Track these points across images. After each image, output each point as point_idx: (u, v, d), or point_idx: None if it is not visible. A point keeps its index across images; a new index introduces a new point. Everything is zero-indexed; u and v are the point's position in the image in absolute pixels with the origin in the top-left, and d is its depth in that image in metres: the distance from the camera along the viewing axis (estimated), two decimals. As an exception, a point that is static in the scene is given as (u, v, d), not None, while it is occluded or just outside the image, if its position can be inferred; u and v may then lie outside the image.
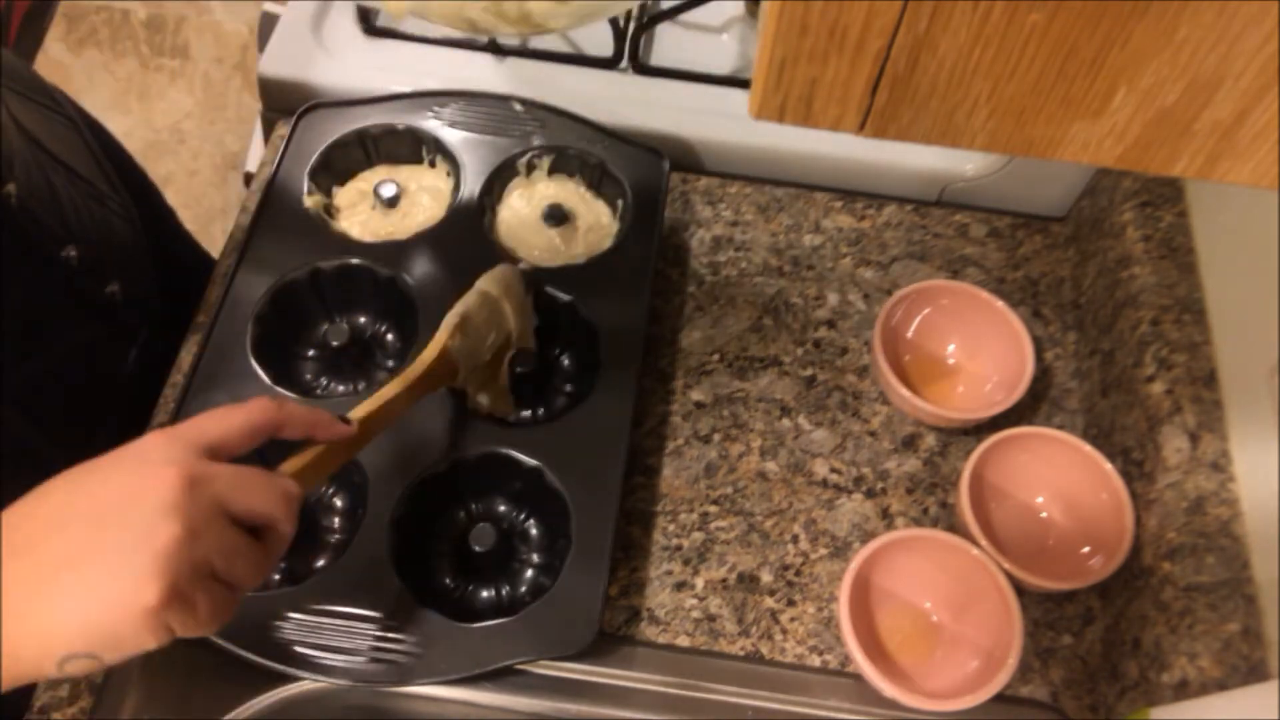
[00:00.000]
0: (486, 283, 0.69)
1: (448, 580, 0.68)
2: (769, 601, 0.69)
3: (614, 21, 0.86)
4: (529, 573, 0.69)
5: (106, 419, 0.73)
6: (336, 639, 0.61)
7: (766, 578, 0.70)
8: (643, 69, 0.88)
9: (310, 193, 0.78)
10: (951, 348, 0.79)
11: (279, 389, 0.69)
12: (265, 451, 0.53)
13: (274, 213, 0.77)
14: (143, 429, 0.73)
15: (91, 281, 0.70)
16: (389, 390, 0.59)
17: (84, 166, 0.75)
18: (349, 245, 0.76)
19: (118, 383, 0.74)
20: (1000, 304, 0.76)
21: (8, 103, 0.66)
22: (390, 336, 0.77)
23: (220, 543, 0.44)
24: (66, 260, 0.67)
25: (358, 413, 0.57)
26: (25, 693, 0.65)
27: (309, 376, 0.75)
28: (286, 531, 0.48)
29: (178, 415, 0.68)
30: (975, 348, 0.78)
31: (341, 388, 0.75)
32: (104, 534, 0.42)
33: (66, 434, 0.69)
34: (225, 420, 0.47)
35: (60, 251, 0.67)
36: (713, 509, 0.73)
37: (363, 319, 0.78)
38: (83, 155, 0.76)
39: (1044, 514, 0.72)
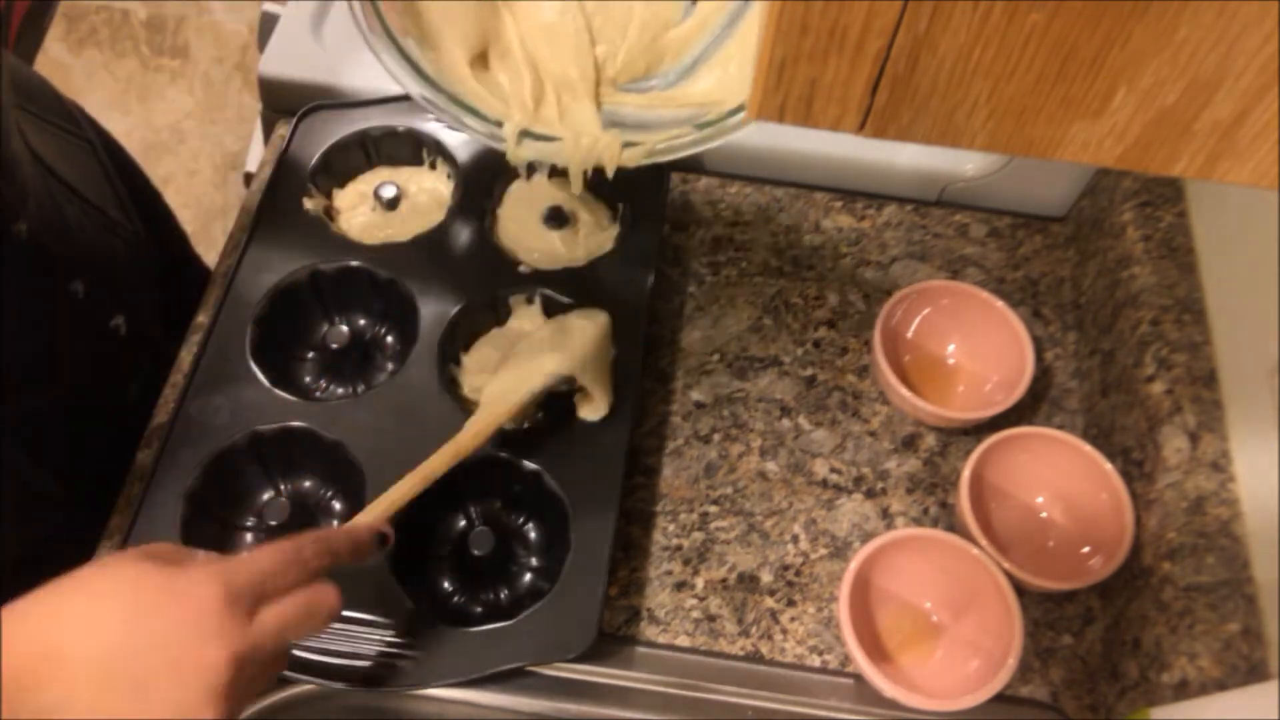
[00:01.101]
0: (570, 365, 0.65)
1: (447, 584, 0.68)
2: (769, 601, 0.69)
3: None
4: (528, 576, 0.69)
5: (106, 448, 0.73)
6: (335, 643, 0.61)
7: (766, 578, 0.70)
8: (642, 69, 0.88)
9: (310, 194, 0.78)
10: (951, 348, 0.79)
11: (278, 391, 0.69)
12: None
13: (274, 214, 0.77)
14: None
15: (98, 315, 0.70)
16: (434, 466, 0.61)
17: (97, 193, 0.74)
18: (349, 247, 0.76)
19: (119, 415, 0.74)
20: (1000, 304, 0.76)
21: (25, 130, 0.66)
22: (390, 339, 0.77)
23: (259, 680, 0.46)
24: (73, 294, 0.67)
25: (392, 504, 0.59)
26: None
27: (308, 378, 0.75)
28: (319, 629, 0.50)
29: (177, 416, 0.68)
30: (975, 348, 0.78)
31: (341, 390, 0.75)
32: (150, 705, 0.42)
33: (68, 466, 0.69)
34: (281, 571, 0.48)
35: (68, 285, 0.66)
36: (713, 509, 0.73)
37: (362, 321, 0.78)
38: (97, 180, 0.76)
39: (1044, 514, 0.72)
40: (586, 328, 0.68)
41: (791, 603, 0.70)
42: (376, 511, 0.58)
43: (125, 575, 0.44)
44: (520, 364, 0.66)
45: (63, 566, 0.45)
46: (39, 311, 0.64)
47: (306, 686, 0.64)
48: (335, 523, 0.70)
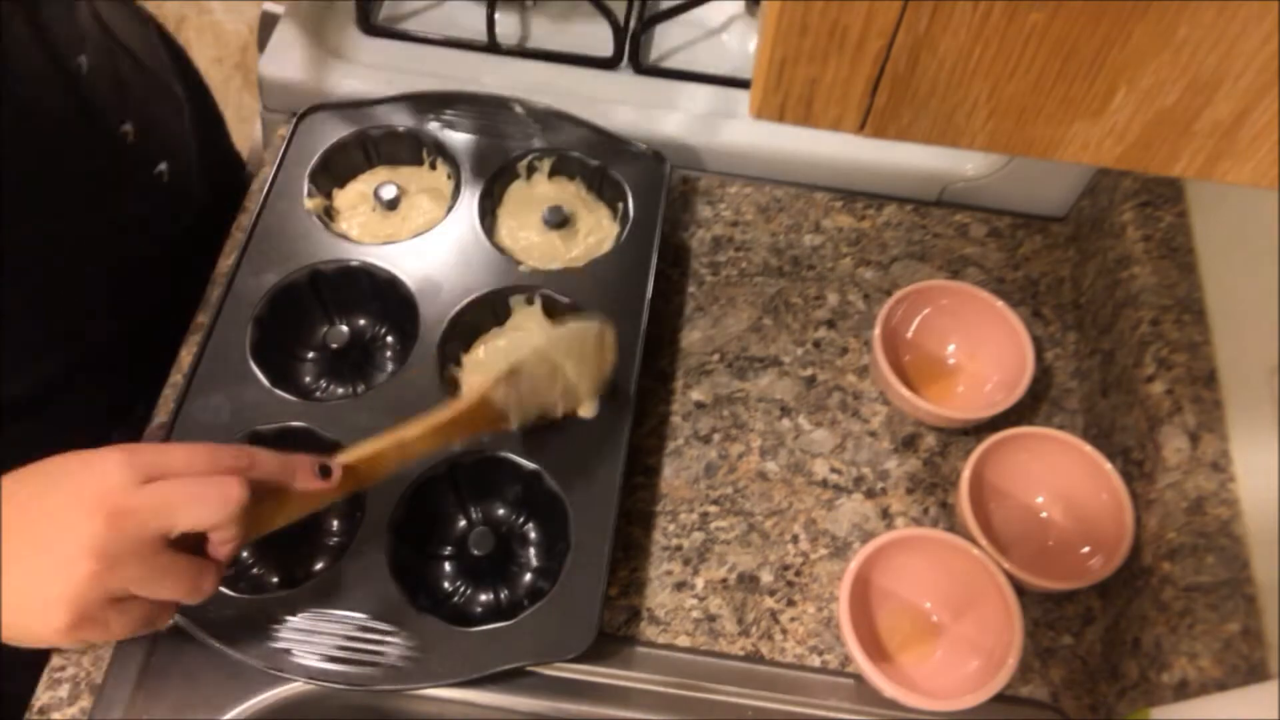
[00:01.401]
0: (553, 346, 0.64)
1: (446, 584, 0.68)
2: (769, 601, 0.69)
3: (614, 21, 0.86)
4: (528, 576, 0.69)
5: (146, 302, 0.76)
6: (335, 643, 0.61)
7: (766, 578, 0.70)
8: (643, 69, 0.88)
9: (310, 194, 0.78)
10: (951, 348, 0.79)
11: (278, 391, 0.69)
12: None
13: (274, 214, 0.77)
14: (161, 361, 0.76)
15: (143, 159, 0.73)
16: (407, 432, 0.57)
17: (150, 59, 0.78)
18: (349, 247, 0.76)
19: (161, 263, 0.77)
20: (1000, 304, 0.76)
21: None
22: (390, 339, 0.77)
23: (140, 570, 0.45)
24: (123, 135, 0.70)
25: (357, 452, 0.55)
26: (25, 693, 0.65)
27: (308, 378, 0.75)
28: (226, 540, 0.47)
29: (177, 415, 0.68)
30: (975, 348, 0.78)
31: (340, 390, 0.75)
32: (31, 557, 0.44)
33: (113, 303, 0.73)
34: (189, 460, 0.47)
35: (119, 127, 0.70)
36: (713, 509, 0.73)
37: (362, 321, 0.78)
38: (152, 50, 0.80)
39: (1044, 514, 0.72)
40: (583, 324, 0.67)
41: (791, 603, 0.70)
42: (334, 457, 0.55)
43: (62, 454, 0.47)
44: (509, 346, 0.65)
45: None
46: (92, 145, 0.67)
47: (306, 686, 0.64)
48: (335, 523, 0.70)
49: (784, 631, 0.69)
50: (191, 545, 0.47)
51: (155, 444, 0.48)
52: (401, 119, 0.81)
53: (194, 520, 0.46)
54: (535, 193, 0.81)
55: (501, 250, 0.77)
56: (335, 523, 0.70)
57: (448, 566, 0.69)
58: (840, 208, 0.88)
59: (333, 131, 0.80)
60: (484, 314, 0.75)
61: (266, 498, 0.50)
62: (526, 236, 0.79)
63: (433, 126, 0.81)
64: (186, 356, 0.76)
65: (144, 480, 0.45)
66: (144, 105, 0.74)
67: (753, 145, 0.86)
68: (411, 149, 0.82)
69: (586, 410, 0.69)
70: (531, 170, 0.81)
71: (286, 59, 0.87)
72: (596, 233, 0.80)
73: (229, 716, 0.64)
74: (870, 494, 0.74)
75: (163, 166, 0.76)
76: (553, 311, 0.75)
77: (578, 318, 0.70)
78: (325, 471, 0.52)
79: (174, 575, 0.46)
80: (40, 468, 0.46)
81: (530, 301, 0.75)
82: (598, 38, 0.89)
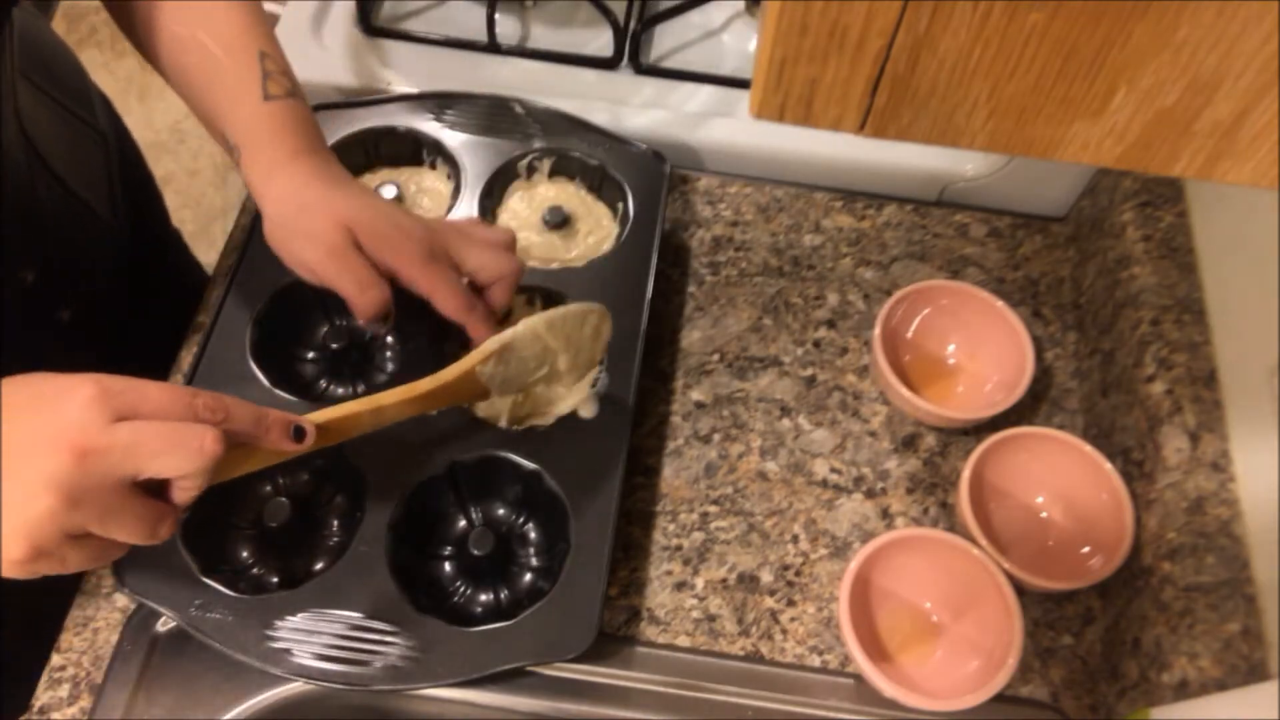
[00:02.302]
0: (546, 327, 0.63)
1: (446, 584, 0.68)
2: (769, 601, 0.69)
3: (614, 21, 0.86)
4: (528, 576, 0.69)
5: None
6: (335, 643, 0.61)
7: (766, 578, 0.70)
8: (643, 69, 0.88)
9: (310, 193, 0.78)
10: (951, 348, 0.79)
11: (278, 391, 0.69)
12: None
13: (274, 213, 0.77)
14: None
15: (41, 305, 0.69)
16: (385, 398, 0.57)
17: (88, 184, 0.74)
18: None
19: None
20: (1000, 304, 0.76)
21: (21, 100, 0.65)
22: (390, 338, 0.77)
23: (101, 510, 0.44)
24: (21, 281, 0.66)
25: (332, 413, 0.54)
26: (25, 692, 0.65)
27: (308, 379, 0.75)
28: (189, 488, 0.47)
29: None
30: (975, 348, 0.78)
31: (341, 390, 0.75)
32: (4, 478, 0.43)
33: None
34: (164, 403, 0.46)
35: (17, 272, 0.66)
36: (713, 509, 0.73)
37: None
38: (93, 172, 0.75)
39: (1044, 514, 0.72)
40: (582, 307, 0.66)
41: (791, 603, 0.70)
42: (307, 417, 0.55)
43: (36, 375, 0.45)
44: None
45: None
46: None
47: (306, 687, 0.64)
48: (335, 524, 0.70)
49: (784, 631, 0.69)
50: (153, 487, 0.46)
51: (130, 379, 0.46)
52: (401, 119, 0.81)
53: (165, 468, 0.45)
54: (535, 193, 0.81)
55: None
56: (335, 523, 0.70)
57: (448, 566, 0.69)
58: (840, 208, 0.88)
59: (333, 131, 0.80)
60: (484, 314, 0.75)
61: (235, 448, 0.49)
62: (526, 236, 0.79)
63: (433, 126, 0.81)
64: (186, 357, 0.76)
65: (116, 418, 0.44)
66: (57, 244, 0.69)
67: (753, 145, 0.86)
68: (411, 149, 0.82)
69: (586, 410, 0.69)
70: (531, 170, 0.81)
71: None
72: (596, 233, 0.80)
73: (229, 716, 0.64)
74: (870, 494, 0.74)
75: (64, 313, 0.71)
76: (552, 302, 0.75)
77: (578, 302, 0.70)
78: (299, 433, 0.52)
79: (133, 518, 0.45)
80: (9, 389, 0.45)
81: (530, 302, 0.75)
82: (598, 38, 0.89)
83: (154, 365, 0.76)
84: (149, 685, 0.64)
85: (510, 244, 0.67)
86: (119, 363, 0.74)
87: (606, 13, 0.85)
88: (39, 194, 0.67)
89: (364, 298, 0.62)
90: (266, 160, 0.63)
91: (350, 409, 0.55)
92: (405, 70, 0.87)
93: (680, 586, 0.70)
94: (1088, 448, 0.69)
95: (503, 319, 0.75)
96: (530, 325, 0.62)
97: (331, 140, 0.80)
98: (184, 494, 0.47)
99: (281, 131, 0.64)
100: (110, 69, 2.04)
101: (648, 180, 0.79)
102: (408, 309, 0.73)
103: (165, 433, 0.45)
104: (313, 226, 0.62)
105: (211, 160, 1.96)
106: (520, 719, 0.66)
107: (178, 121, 2.00)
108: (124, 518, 0.45)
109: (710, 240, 0.85)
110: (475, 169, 0.79)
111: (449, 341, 0.72)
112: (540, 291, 0.74)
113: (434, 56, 0.88)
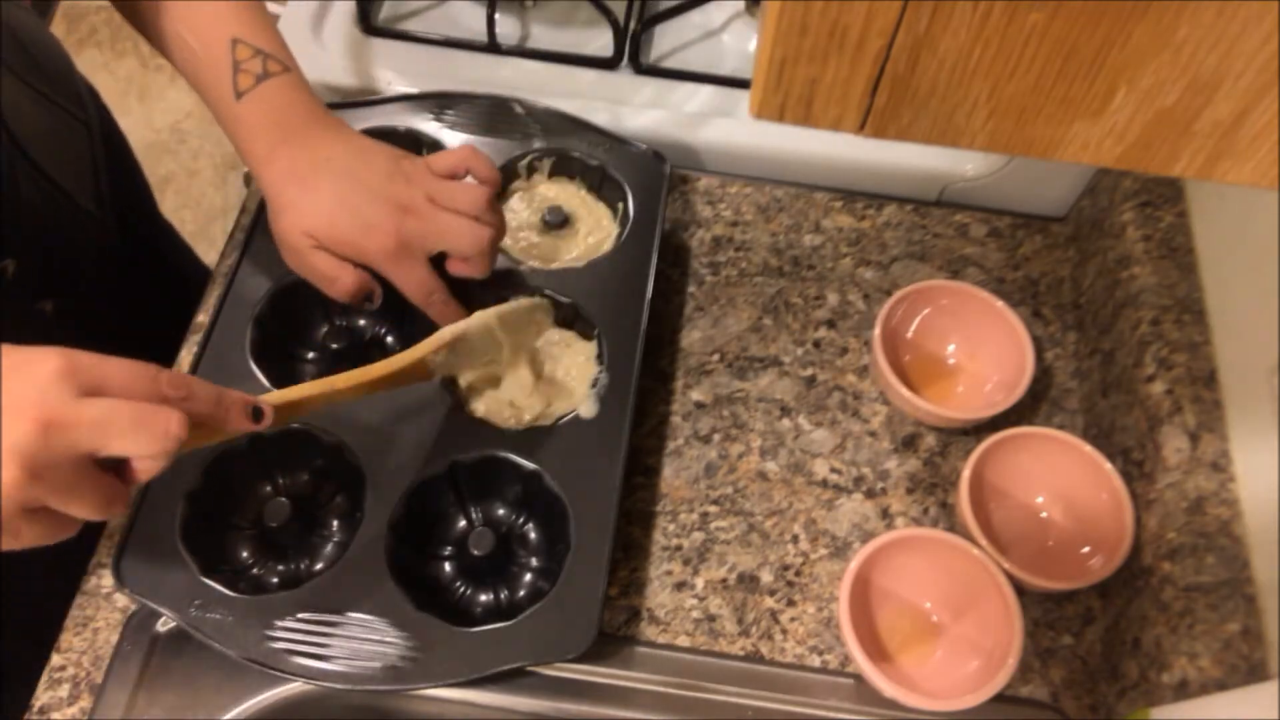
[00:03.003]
0: (498, 321, 0.67)
1: (446, 584, 0.68)
2: (769, 601, 0.69)
3: (614, 21, 0.86)
4: (528, 576, 0.69)
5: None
6: (335, 643, 0.61)
7: (766, 578, 0.70)
8: (643, 69, 0.88)
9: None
10: (951, 348, 0.79)
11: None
12: None
13: (274, 213, 0.77)
14: None
15: (23, 296, 0.69)
16: (338, 381, 0.59)
17: (71, 177, 0.73)
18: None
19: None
20: (1000, 304, 0.76)
21: (3, 90, 0.65)
22: (390, 339, 0.77)
23: (61, 484, 0.44)
24: (1, 271, 0.66)
25: (289, 394, 0.56)
26: (25, 692, 0.65)
27: (309, 379, 0.75)
28: (148, 468, 0.46)
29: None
30: (975, 348, 0.78)
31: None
32: None
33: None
34: (129, 380, 0.46)
35: None
36: (713, 509, 0.73)
37: (362, 321, 0.78)
38: (78, 165, 0.75)
39: (1044, 514, 0.72)
40: (527, 301, 0.72)
41: (791, 603, 0.70)
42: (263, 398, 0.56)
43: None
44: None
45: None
46: None
47: (306, 687, 0.64)
48: (335, 524, 0.70)
49: (784, 631, 0.69)
50: (109, 463, 0.46)
51: (96, 355, 0.46)
52: (401, 119, 0.81)
53: (129, 448, 0.45)
54: (535, 193, 0.81)
55: (501, 251, 0.77)
56: (335, 523, 0.70)
57: (448, 567, 0.69)
58: (840, 208, 0.88)
59: (333, 131, 0.80)
60: (484, 314, 0.75)
61: (194, 426, 0.49)
62: (526, 237, 0.79)
63: (433, 127, 0.81)
64: (186, 357, 0.76)
65: (82, 392, 0.44)
66: (37, 234, 0.69)
67: (753, 145, 0.86)
68: (411, 149, 0.81)
69: (586, 410, 0.69)
70: (532, 170, 0.81)
71: (286, 59, 0.87)
72: (596, 233, 0.80)
73: (229, 717, 0.64)
74: (870, 494, 0.74)
75: (47, 304, 0.71)
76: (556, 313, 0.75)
77: (518, 298, 0.72)
78: (257, 414, 0.52)
79: (92, 493, 0.45)
80: None
81: (530, 302, 0.75)
82: (598, 38, 0.89)
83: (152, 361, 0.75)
84: (149, 685, 0.64)
85: (485, 205, 0.67)
86: (114, 349, 0.74)
87: (606, 13, 0.85)
88: (19, 183, 0.67)
89: (333, 290, 0.66)
90: (250, 162, 0.66)
91: (306, 390, 0.57)
92: (405, 70, 0.87)
93: (680, 586, 0.70)
94: (1088, 448, 0.69)
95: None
96: (483, 318, 0.66)
97: (331, 140, 0.80)
98: (142, 473, 0.47)
99: (256, 131, 0.65)
100: (110, 69, 2.04)
101: (648, 180, 0.79)
102: (404, 310, 0.73)
103: (132, 412, 0.45)
104: (280, 233, 0.66)
105: (211, 160, 1.96)
106: (520, 719, 0.66)
107: (178, 121, 2.00)
108: (83, 493, 0.45)
109: (710, 240, 0.85)
110: (475, 169, 0.79)
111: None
112: (540, 292, 0.74)
113: (434, 56, 0.88)
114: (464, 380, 0.70)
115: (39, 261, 0.69)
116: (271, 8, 0.92)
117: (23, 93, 0.69)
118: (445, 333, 0.64)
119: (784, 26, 0.32)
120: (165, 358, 0.77)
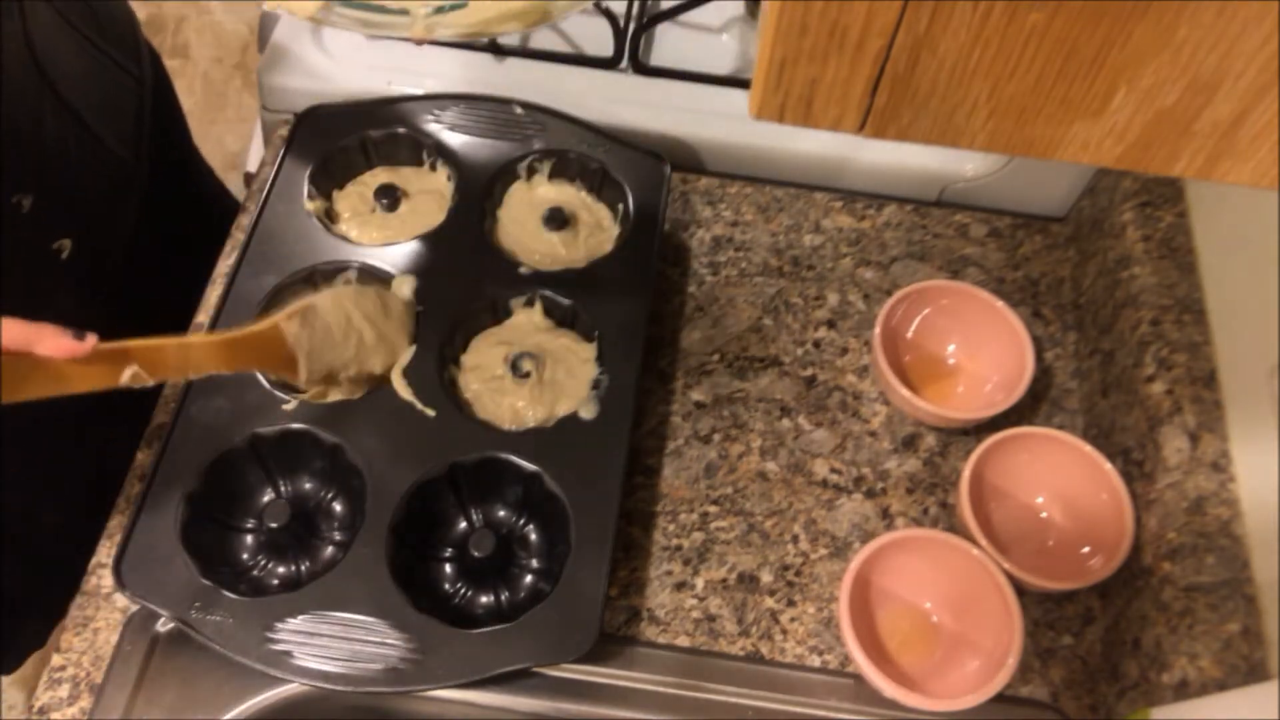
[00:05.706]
0: (348, 296, 0.68)
1: (447, 586, 0.68)
2: (769, 601, 0.69)
3: (614, 21, 0.86)
4: (528, 578, 0.69)
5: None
6: (335, 645, 0.61)
7: (766, 578, 0.70)
8: (643, 69, 0.88)
9: (311, 196, 0.77)
10: (951, 348, 0.79)
11: (278, 392, 0.69)
12: None
13: (274, 214, 0.77)
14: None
15: (38, 233, 0.68)
16: (191, 338, 0.59)
17: (106, 122, 0.73)
18: (348, 248, 0.76)
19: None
20: (1000, 304, 0.76)
21: (35, 24, 0.64)
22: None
23: None
24: (16, 206, 0.65)
25: (137, 342, 0.54)
26: (25, 692, 0.65)
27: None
28: None
29: (178, 417, 0.68)
30: (975, 348, 0.78)
31: (342, 390, 0.75)
32: None
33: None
34: None
35: (11, 197, 0.65)
36: (713, 509, 0.73)
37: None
38: (118, 113, 0.75)
39: (1044, 514, 0.72)
40: (371, 285, 0.71)
41: (791, 603, 0.70)
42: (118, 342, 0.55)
43: None
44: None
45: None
46: None
47: (306, 688, 0.64)
48: (336, 525, 0.70)
49: (784, 631, 0.69)
50: None
51: None
52: (401, 120, 0.81)
53: None
54: (536, 194, 0.81)
55: (502, 251, 0.77)
56: (335, 524, 0.70)
57: (448, 568, 0.69)
58: (840, 208, 0.88)
59: (333, 132, 0.80)
60: (483, 316, 0.75)
61: (34, 369, 0.48)
62: (526, 238, 0.79)
63: (433, 127, 0.81)
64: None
65: None
66: (59, 172, 0.68)
67: (753, 145, 0.86)
68: (411, 150, 0.82)
69: (586, 410, 0.69)
70: (532, 171, 0.81)
71: (286, 59, 0.87)
72: (597, 233, 0.80)
73: (229, 717, 0.64)
74: (870, 494, 0.74)
75: (63, 243, 0.70)
76: (551, 311, 0.75)
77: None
78: (79, 333, 0.50)
79: None
80: None
81: (530, 304, 0.75)
82: (598, 38, 0.89)
83: (168, 319, 0.75)
84: (149, 685, 0.64)
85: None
86: (129, 308, 0.74)
87: (606, 13, 0.85)
88: (44, 118, 0.66)
89: None
90: None
91: (156, 341, 0.56)
92: (405, 70, 0.87)
93: (680, 586, 0.70)
94: (1088, 448, 0.69)
95: (501, 322, 0.75)
96: (332, 291, 0.68)
97: (331, 141, 0.80)
98: None
99: None
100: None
101: (648, 181, 0.79)
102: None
103: None
104: None
105: (211, 160, 1.96)
106: (520, 719, 0.66)
107: (177, 122, 2.00)
108: None
109: (710, 240, 0.85)
110: (475, 170, 0.79)
111: (450, 344, 0.72)
112: (540, 293, 0.74)
113: (434, 57, 0.88)
114: (344, 375, 0.69)
115: (59, 199, 0.69)
116: (271, 9, 0.91)
117: (67, 35, 0.68)
118: (296, 304, 0.65)
119: (784, 27, 0.32)
120: (173, 321, 0.77)
